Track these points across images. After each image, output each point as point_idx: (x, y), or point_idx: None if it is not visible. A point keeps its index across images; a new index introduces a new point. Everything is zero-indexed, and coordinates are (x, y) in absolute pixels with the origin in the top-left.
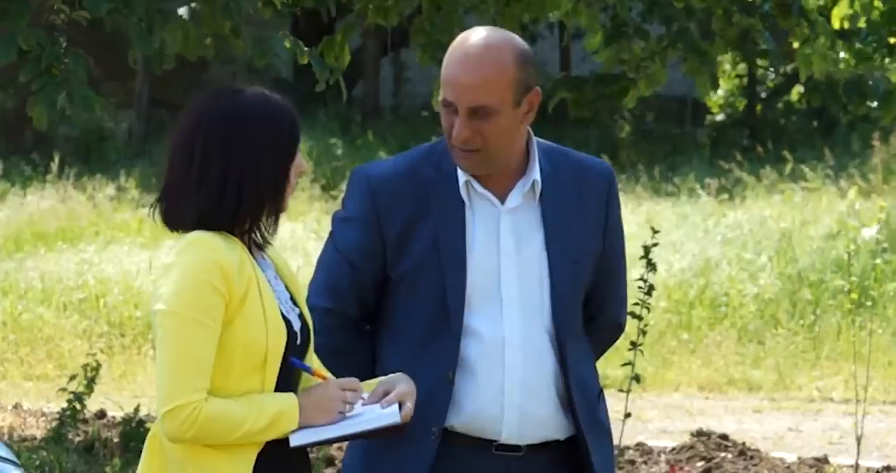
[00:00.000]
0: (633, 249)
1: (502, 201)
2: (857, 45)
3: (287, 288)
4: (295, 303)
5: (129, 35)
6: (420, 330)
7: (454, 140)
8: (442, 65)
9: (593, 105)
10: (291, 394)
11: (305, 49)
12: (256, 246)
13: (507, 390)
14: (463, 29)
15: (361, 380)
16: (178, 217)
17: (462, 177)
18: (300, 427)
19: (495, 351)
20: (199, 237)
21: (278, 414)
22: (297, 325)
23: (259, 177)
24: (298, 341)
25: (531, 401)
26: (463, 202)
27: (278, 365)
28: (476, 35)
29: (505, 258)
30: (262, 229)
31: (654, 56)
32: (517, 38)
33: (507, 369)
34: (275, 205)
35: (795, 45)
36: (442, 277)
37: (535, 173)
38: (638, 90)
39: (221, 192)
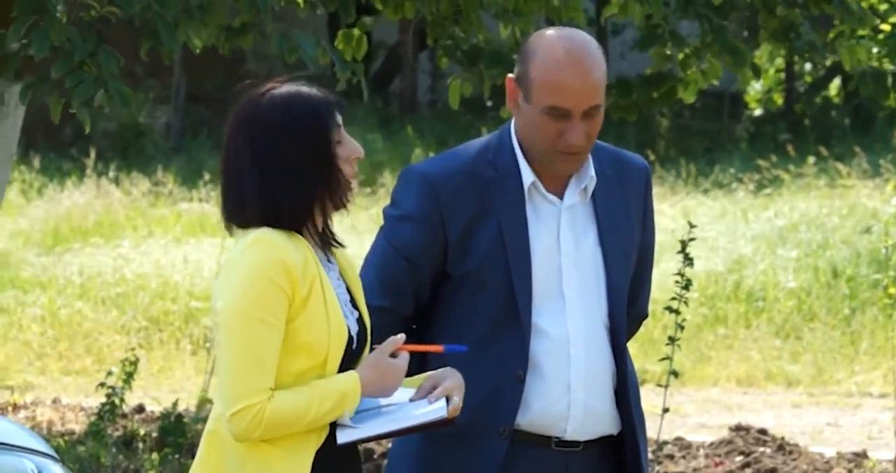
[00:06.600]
0: (671, 243)
1: (560, 199)
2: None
3: (348, 289)
4: (354, 306)
5: (158, 31)
6: (484, 328)
7: (571, 146)
8: (531, 72)
9: (637, 108)
10: (352, 373)
11: (328, 47)
12: (323, 246)
13: (572, 387)
14: (481, 30)
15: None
16: (240, 215)
17: (528, 178)
18: (346, 426)
19: (561, 348)
20: (263, 235)
21: (342, 396)
22: (353, 329)
23: (300, 175)
24: (354, 345)
25: (593, 397)
26: (524, 201)
27: (338, 366)
28: (565, 37)
29: (565, 255)
30: (329, 229)
31: (699, 53)
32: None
33: (572, 366)
34: (333, 200)
35: (831, 35)
36: (509, 276)
37: (591, 170)
38: (695, 84)
39: (268, 191)
